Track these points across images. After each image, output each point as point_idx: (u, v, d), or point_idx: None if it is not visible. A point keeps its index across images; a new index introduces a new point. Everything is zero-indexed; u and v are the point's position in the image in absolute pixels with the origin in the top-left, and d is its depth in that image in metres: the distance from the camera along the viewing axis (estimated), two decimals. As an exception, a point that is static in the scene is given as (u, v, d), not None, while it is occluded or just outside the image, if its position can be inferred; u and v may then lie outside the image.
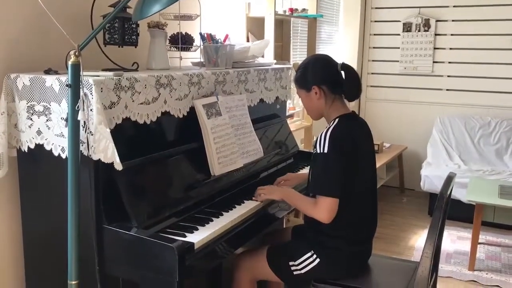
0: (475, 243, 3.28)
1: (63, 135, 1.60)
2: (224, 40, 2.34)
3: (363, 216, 2.00)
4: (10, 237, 1.85)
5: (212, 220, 1.81)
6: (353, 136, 1.91)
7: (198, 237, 1.65)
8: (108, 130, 1.51)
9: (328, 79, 1.97)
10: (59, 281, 1.66)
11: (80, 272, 1.51)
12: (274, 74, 2.61)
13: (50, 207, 1.74)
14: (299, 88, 2.04)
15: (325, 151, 1.84)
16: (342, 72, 1.98)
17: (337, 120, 1.94)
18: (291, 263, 1.97)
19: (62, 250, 1.56)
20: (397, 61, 5.05)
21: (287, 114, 2.96)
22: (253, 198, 2.03)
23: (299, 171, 2.54)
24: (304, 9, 3.76)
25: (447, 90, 4.91)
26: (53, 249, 1.75)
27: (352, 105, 5.06)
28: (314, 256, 1.95)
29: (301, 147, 3.72)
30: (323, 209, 1.83)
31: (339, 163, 1.84)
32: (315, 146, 1.90)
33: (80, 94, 1.44)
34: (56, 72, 1.69)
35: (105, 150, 1.51)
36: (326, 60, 2.04)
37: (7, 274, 1.87)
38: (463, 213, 3.87)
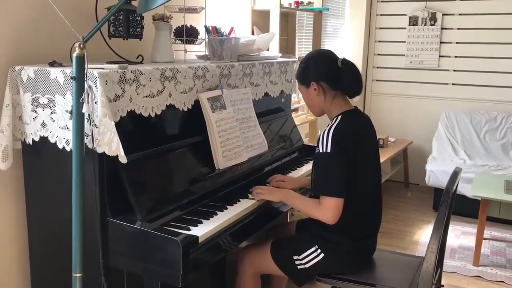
0: (480, 238, 3.27)
1: (67, 128, 1.60)
2: (229, 33, 2.32)
3: (368, 211, 1.99)
4: (16, 229, 1.86)
5: (216, 214, 1.81)
6: (355, 133, 1.89)
7: (202, 230, 1.66)
8: (113, 123, 1.51)
9: (327, 75, 1.93)
10: (63, 273, 1.66)
11: (84, 264, 1.51)
12: (279, 67, 2.59)
13: (54, 199, 1.74)
14: (300, 84, 2.03)
15: (328, 150, 1.81)
16: (343, 68, 1.94)
17: (339, 117, 1.91)
18: (295, 257, 1.96)
19: (66, 243, 1.57)
20: (403, 55, 5.02)
21: (292, 108, 2.95)
22: (250, 196, 2.01)
23: (303, 165, 2.53)
24: (309, 2, 3.73)
25: (453, 84, 4.88)
26: (57, 241, 1.75)
27: (357, 99, 5.02)
28: (319, 250, 1.94)
29: (306, 141, 3.71)
30: (329, 209, 1.81)
31: (342, 162, 1.82)
32: (317, 145, 1.88)
33: (84, 87, 1.44)
34: (60, 65, 1.69)
35: (110, 143, 1.51)
36: (326, 56, 2.00)
37: (13, 266, 1.87)
38: (468, 208, 3.85)
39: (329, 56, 2.00)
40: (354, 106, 2.01)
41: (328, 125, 1.90)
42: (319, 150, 1.85)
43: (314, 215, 1.88)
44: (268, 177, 2.23)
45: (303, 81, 1.99)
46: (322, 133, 1.87)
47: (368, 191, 1.97)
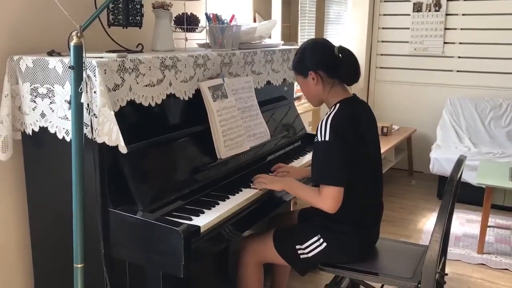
0: (484, 226, 3.25)
1: (67, 118, 1.59)
2: (230, 21, 2.29)
3: (370, 199, 1.98)
4: (17, 220, 1.85)
5: (218, 204, 1.80)
6: (354, 121, 1.87)
7: (204, 220, 1.65)
8: (112, 113, 1.49)
9: (325, 63, 1.91)
10: (65, 263, 1.66)
11: (86, 255, 1.50)
12: (281, 55, 2.56)
13: (55, 190, 1.73)
14: (297, 75, 2.00)
15: (326, 139, 1.80)
16: (340, 56, 1.91)
17: (337, 105, 1.89)
18: (298, 246, 1.96)
19: (68, 233, 1.56)
20: (407, 42, 4.96)
21: (294, 96, 2.93)
22: (252, 186, 1.99)
23: (306, 154, 2.52)
24: (312, -11, 3.69)
25: (457, 71, 4.83)
26: (59, 232, 1.75)
27: (361, 87, 5.00)
28: (321, 240, 1.93)
29: (309, 129, 3.69)
30: (328, 198, 1.80)
31: (341, 150, 1.80)
32: (316, 134, 1.86)
33: (83, 76, 1.42)
34: (59, 54, 1.67)
35: (110, 133, 1.50)
36: (322, 44, 1.98)
37: (15, 257, 1.87)
38: (472, 196, 3.83)
39: (325, 44, 1.97)
40: (353, 94, 1.99)
41: (327, 114, 1.88)
42: (317, 139, 1.83)
43: (314, 204, 1.87)
44: (271, 166, 2.22)
45: (300, 71, 1.97)
46: (320, 122, 1.85)
47: (369, 178, 1.96)
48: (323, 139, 1.81)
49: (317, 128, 1.85)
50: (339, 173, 1.80)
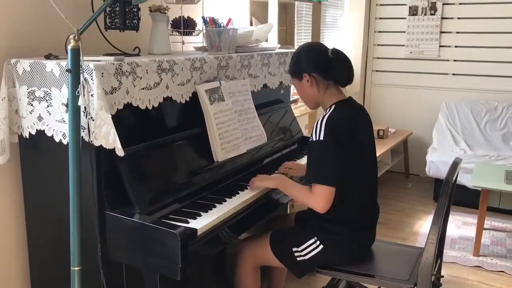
0: (480, 228, 3.26)
1: (64, 121, 1.59)
2: (227, 24, 2.30)
3: (365, 202, 1.99)
4: (14, 223, 1.85)
5: (215, 206, 1.80)
6: (349, 122, 1.88)
7: (201, 223, 1.65)
8: (109, 116, 1.49)
9: (319, 65, 1.94)
10: (62, 266, 1.66)
11: (83, 258, 1.51)
12: (278, 58, 2.58)
13: (52, 193, 1.73)
14: (292, 77, 2.03)
15: (321, 138, 1.81)
16: (333, 57, 1.93)
17: (333, 107, 1.92)
18: (294, 249, 1.96)
19: (65, 236, 1.56)
20: (403, 45, 4.99)
21: (291, 100, 2.94)
22: (249, 188, 2.00)
23: (303, 157, 2.53)
24: (308, -7, 3.70)
25: (453, 74, 4.86)
26: (56, 235, 1.75)
27: (357, 90, 5.02)
28: (318, 242, 1.94)
29: (306, 132, 3.69)
30: (319, 197, 1.81)
31: (335, 151, 1.81)
32: (311, 134, 1.88)
33: (80, 79, 1.42)
34: (56, 57, 1.68)
35: (107, 136, 1.50)
36: (316, 47, 2.01)
37: (12, 259, 1.87)
38: (468, 199, 3.85)
39: (319, 47, 2.00)
40: (349, 96, 2.00)
41: (322, 114, 1.90)
42: (312, 139, 1.85)
43: (306, 203, 1.89)
44: (268, 169, 2.23)
45: (295, 74, 2.00)
46: (316, 122, 1.87)
47: (365, 180, 1.97)
48: (317, 138, 1.82)
49: (313, 128, 1.86)
50: (332, 172, 1.81)
